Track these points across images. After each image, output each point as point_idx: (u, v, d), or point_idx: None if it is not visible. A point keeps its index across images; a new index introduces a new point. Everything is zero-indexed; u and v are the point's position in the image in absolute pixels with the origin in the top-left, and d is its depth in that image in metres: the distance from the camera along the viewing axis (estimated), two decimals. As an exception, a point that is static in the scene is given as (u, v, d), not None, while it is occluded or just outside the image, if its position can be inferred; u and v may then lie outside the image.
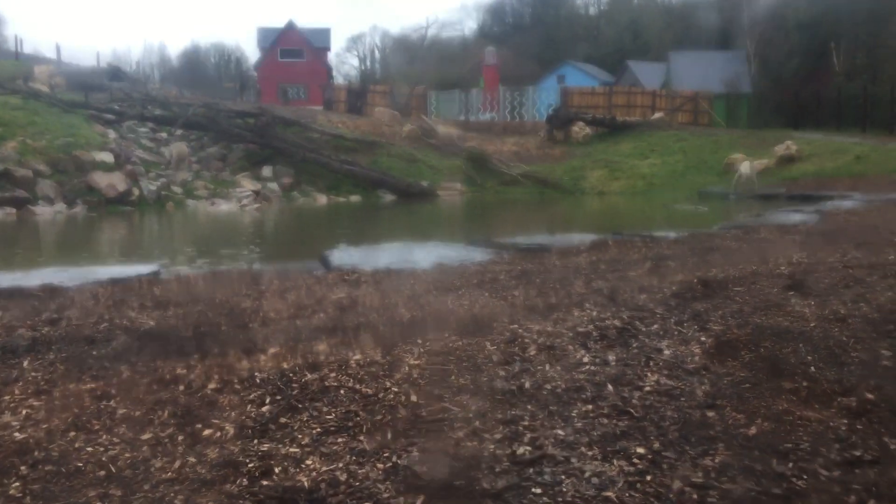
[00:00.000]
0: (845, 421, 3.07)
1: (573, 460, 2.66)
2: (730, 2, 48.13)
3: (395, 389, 3.30)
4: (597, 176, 27.06)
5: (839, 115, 32.82)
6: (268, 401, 3.18)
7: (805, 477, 2.58)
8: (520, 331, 4.22)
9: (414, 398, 3.21)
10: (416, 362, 3.67)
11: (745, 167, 21.06)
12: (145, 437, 2.87)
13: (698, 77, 40.80)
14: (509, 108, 39.55)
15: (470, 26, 75.30)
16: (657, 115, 35.67)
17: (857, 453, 2.78)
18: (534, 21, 66.67)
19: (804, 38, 38.01)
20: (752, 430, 2.94)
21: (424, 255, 7.42)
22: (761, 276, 5.62)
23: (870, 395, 3.30)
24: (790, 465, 2.66)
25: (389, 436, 2.86)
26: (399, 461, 2.64)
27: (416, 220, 19.90)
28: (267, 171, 23.89)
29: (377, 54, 72.71)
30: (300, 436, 2.86)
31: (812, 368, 3.57)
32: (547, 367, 3.62)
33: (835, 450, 2.80)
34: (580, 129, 32.39)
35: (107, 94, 28.78)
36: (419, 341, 4.03)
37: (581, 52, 58.40)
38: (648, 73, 48.87)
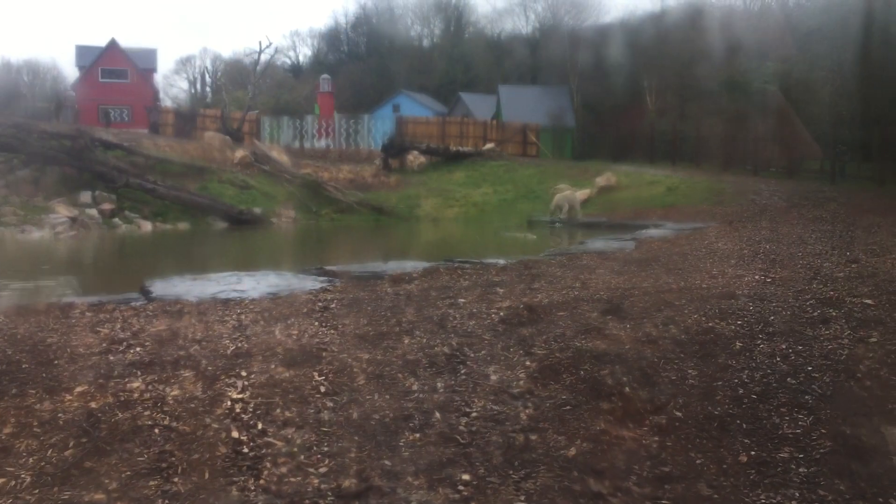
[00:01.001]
0: (656, 438, 3.23)
1: (399, 491, 2.63)
2: (554, 40, 50.72)
3: (216, 426, 3.15)
4: (431, 204, 27.50)
5: (652, 149, 35.21)
6: (71, 444, 2.94)
7: (619, 494, 2.68)
8: (349, 360, 4.16)
9: (235, 434, 3.07)
10: (240, 396, 3.53)
11: (559, 198, 22.06)
12: (-76, 491, 2.57)
13: (526, 110, 42.56)
14: (345, 136, 39.51)
15: (305, 53, 74.72)
16: (489, 145, 36.80)
17: (667, 469, 2.93)
18: (369, 50, 67.25)
19: (620, 78, 40.58)
20: (572, 452, 3.03)
21: (254, 284, 7.19)
22: (582, 301, 5.87)
23: (678, 413, 3.50)
24: (606, 483, 2.76)
25: (207, 475, 2.71)
26: (216, 502, 2.50)
27: (247, 249, 19.35)
28: (85, 196, 22.47)
29: (208, 78, 70.60)
30: (107, 480, 2.65)
31: (627, 389, 3.74)
32: (376, 396, 3.58)
33: (647, 467, 2.93)
34: (415, 158, 32.85)
35: None
36: (243, 374, 3.88)
37: (415, 83, 59.44)
38: (480, 105, 50.45)
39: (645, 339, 4.66)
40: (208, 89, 67.48)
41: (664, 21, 39.93)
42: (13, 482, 2.64)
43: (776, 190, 21.67)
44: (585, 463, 2.93)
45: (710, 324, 5.06)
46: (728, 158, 30.47)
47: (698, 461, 3.04)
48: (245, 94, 45.02)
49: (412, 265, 8.52)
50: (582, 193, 24.96)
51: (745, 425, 3.43)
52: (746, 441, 3.27)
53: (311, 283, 7.28)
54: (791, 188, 22.16)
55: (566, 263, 8.70)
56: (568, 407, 3.50)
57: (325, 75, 47.06)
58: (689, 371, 4.08)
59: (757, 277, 7.24)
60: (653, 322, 5.11)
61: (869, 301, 6.04)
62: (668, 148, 34.85)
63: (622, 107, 40.15)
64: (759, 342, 4.70)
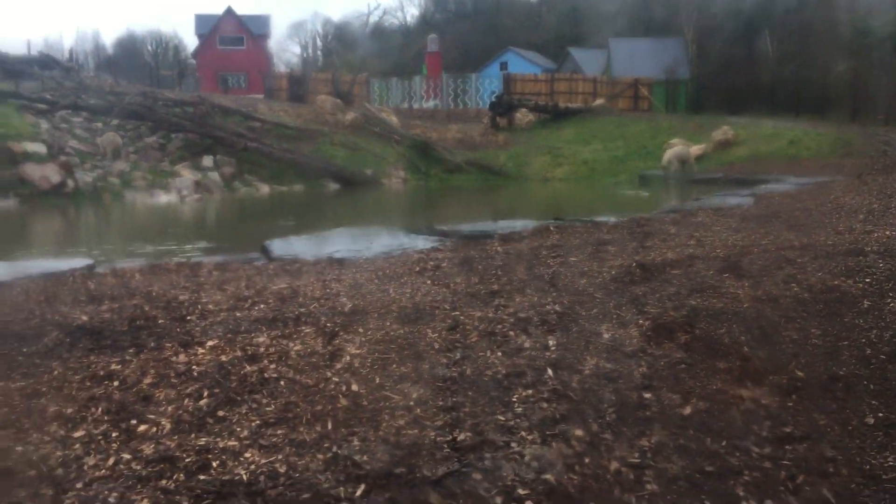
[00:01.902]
0: (777, 399, 3.16)
1: (513, 445, 2.68)
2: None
3: (336, 379, 3.28)
4: (540, 162, 27.25)
5: (773, 100, 33.63)
6: (205, 394, 3.13)
7: (738, 454, 2.64)
8: (461, 318, 4.24)
9: (355, 387, 3.20)
10: (358, 351, 3.66)
11: (669, 154, 21.42)
12: (78, 434, 2.80)
13: (638, 63, 41.34)
14: (452, 96, 39.53)
15: (412, 13, 74.84)
16: (598, 101, 36.04)
17: (788, 430, 2.86)
18: (476, 8, 66.69)
19: (739, 26, 38.75)
20: (687, 410, 3.00)
21: (367, 244, 7.37)
22: (697, 259, 5.73)
23: (800, 373, 3.40)
24: (724, 443, 2.72)
25: (330, 426, 2.84)
26: (339, 451, 2.63)
27: (359, 209, 19.78)
28: (207, 160, 23.45)
29: (319, 42, 71.86)
30: (239, 429, 2.82)
31: (745, 348, 3.66)
32: (488, 353, 3.64)
33: (766, 427, 2.88)
34: (523, 116, 32.56)
35: (38, 84, 27.86)
36: (360, 330, 4.02)
37: (523, 40, 58.62)
38: (590, 60, 49.31)
39: (765, 297, 4.52)
40: (319, 53, 68.72)
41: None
42: (154, 428, 2.84)
43: (910, 140, 20.34)
44: (701, 422, 2.90)
45: (836, 282, 4.85)
46: (856, 108, 28.73)
47: (821, 422, 2.96)
48: (354, 56, 45.62)
49: (522, 224, 8.52)
50: (697, 148, 24.16)
51: (872, 386, 3.30)
52: (874, 402, 3.15)
53: (423, 243, 7.41)
54: (927, 138, 20.75)
55: (680, 220, 8.50)
56: (683, 366, 3.46)
57: (432, 35, 47.05)
58: (812, 330, 3.95)
59: (888, 233, 6.86)
60: (773, 280, 4.94)
61: None
62: (791, 99, 33.16)
63: (740, 56, 38.37)
64: (889, 301, 4.48)
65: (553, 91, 38.61)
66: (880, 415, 3.03)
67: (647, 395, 3.12)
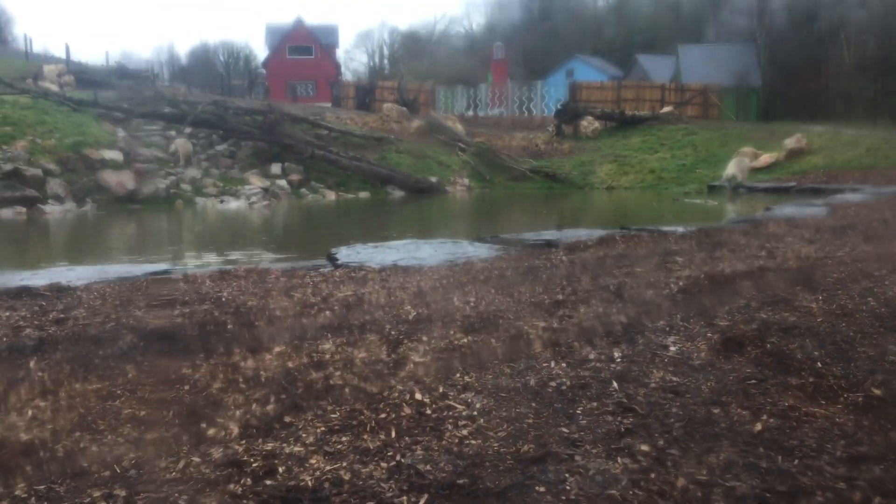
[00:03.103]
0: (851, 417, 3.05)
1: (577, 458, 2.65)
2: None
3: (400, 387, 3.30)
4: (606, 170, 26.99)
5: (849, 107, 32.63)
6: (272, 400, 3.19)
7: (810, 474, 2.56)
8: (525, 327, 4.22)
9: (419, 396, 3.21)
10: (421, 360, 3.67)
11: (732, 166, 20.99)
12: (150, 436, 2.88)
13: (708, 70, 40.61)
14: (517, 103, 39.47)
15: (478, 21, 75.06)
16: (666, 108, 35.52)
17: (863, 450, 2.76)
18: (542, 15, 66.49)
19: (813, 31, 37.76)
20: (758, 427, 2.92)
21: (431, 252, 7.41)
22: (769, 271, 5.59)
23: (876, 391, 3.28)
24: (795, 461, 2.64)
25: (394, 434, 2.86)
26: (403, 460, 2.64)
27: (424, 216, 19.90)
28: (276, 168, 23.93)
29: (385, 50, 72.64)
30: (304, 435, 2.86)
31: (818, 364, 3.55)
32: (552, 363, 3.62)
33: (840, 446, 2.78)
34: (589, 124, 32.31)
35: (116, 93, 28.86)
36: (424, 339, 4.03)
37: (589, 47, 58.21)
38: (657, 67, 48.66)
39: (839, 311, 4.38)
40: (386, 62, 69.46)
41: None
42: (223, 433, 2.90)
43: None
44: (772, 439, 2.82)
45: (915, 297, 4.68)
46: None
47: (900, 443, 2.85)
48: (421, 64, 45.97)
49: (586, 233, 8.45)
50: (768, 157, 23.61)
51: (955, 407, 3.16)
52: (956, 424, 3.02)
53: (487, 251, 7.41)
54: None
55: (750, 231, 8.31)
56: (753, 381, 3.37)
57: (498, 42, 47.12)
58: (891, 347, 3.81)
59: (972, 246, 6.59)
60: (848, 294, 4.79)
61: None
62: (868, 105, 32.11)
63: (815, 62, 37.34)
64: (974, 318, 4.30)
65: (620, 98, 38.22)
66: (964, 437, 2.90)
67: (716, 411, 3.05)
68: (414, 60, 59.20)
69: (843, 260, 6.07)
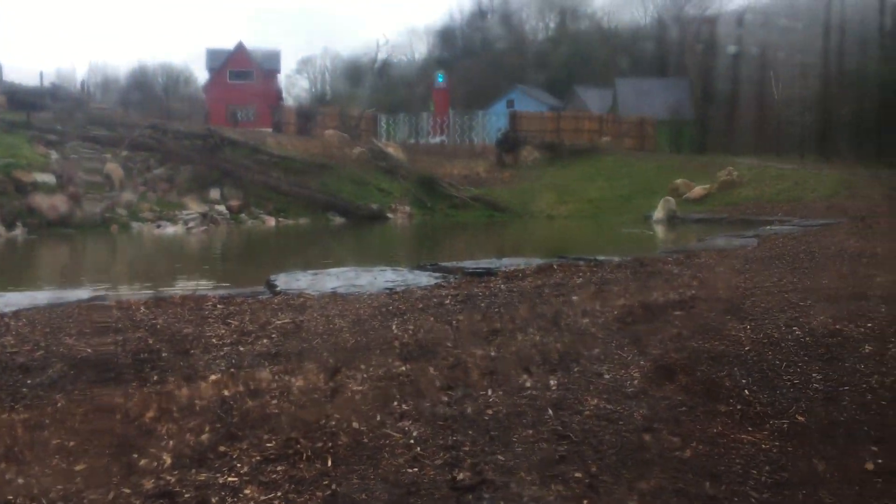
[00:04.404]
0: (777, 443, 3.16)
1: (512, 485, 2.68)
2: (674, 31, 49.45)
3: (337, 416, 3.30)
4: (545, 199, 27.38)
5: (778, 142, 33.82)
6: (207, 429, 3.14)
7: (736, 499, 2.64)
8: (463, 356, 4.25)
9: (356, 424, 3.20)
10: (359, 388, 3.67)
11: (659, 209, 21.58)
12: (79, 467, 2.81)
13: (644, 103, 41.70)
14: (459, 132, 39.83)
15: (420, 50, 75.69)
16: (604, 139, 36.29)
17: (787, 475, 2.86)
18: (484, 46, 67.44)
19: (744, 68, 39.13)
20: (687, 453, 3.00)
21: (371, 280, 7.41)
22: (700, 301, 5.75)
23: (800, 418, 3.40)
24: (722, 487, 2.72)
25: (330, 463, 2.85)
26: (339, 489, 2.63)
27: (364, 244, 19.87)
28: (215, 193, 23.64)
29: (328, 76, 72.65)
30: (239, 464, 2.83)
31: (746, 391, 3.66)
32: (489, 391, 3.65)
33: (766, 472, 2.87)
34: (529, 153, 32.79)
35: (50, 114, 28.19)
36: (362, 367, 4.03)
37: (530, 78, 59.20)
38: (595, 99, 49.76)
39: (766, 340, 4.53)
40: (328, 88, 69.42)
41: (794, 7, 38.16)
42: (155, 463, 2.85)
43: (914, 184, 20.42)
44: (701, 465, 2.90)
45: (838, 326, 4.86)
46: (861, 151, 28.87)
47: (820, 468, 2.95)
48: (363, 91, 46.12)
49: (525, 262, 8.56)
50: (701, 189, 24.30)
51: (872, 432, 3.30)
52: (873, 448, 3.14)
53: (427, 279, 7.44)
54: (931, 182, 20.82)
55: (683, 261, 8.52)
56: (683, 408, 3.46)
57: (439, 71, 47.56)
58: (814, 374, 3.95)
59: (891, 278, 6.88)
60: (775, 323, 4.96)
61: None
62: (796, 140, 33.35)
63: (745, 98, 38.67)
64: (890, 346, 4.49)
65: (559, 129, 38.89)
66: (880, 461, 3.03)
67: (647, 437, 3.13)
68: (356, 87, 59.37)
69: (770, 290, 6.27)
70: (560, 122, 39.74)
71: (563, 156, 32.36)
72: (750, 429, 3.28)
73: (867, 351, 4.38)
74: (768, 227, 13.93)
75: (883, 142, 28.84)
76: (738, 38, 41.44)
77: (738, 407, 3.49)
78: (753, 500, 2.64)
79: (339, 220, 24.05)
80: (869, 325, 4.91)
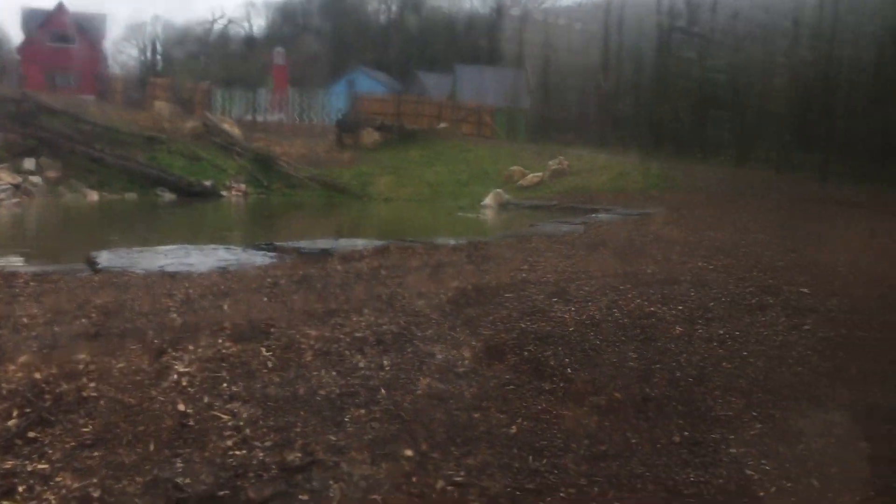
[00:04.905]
0: (595, 418, 3.35)
1: (342, 465, 2.69)
2: (510, 21, 50.84)
3: (162, 398, 3.17)
4: (384, 182, 27.42)
5: (606, 134, 35.61)
6: (15, 414, 2.93)
7: (556, 472, 2.78)
8: (297, 336, 4.19)
9: (181, 407, 3.09)
10: (186, 369, 3.54)
11: (490, 198, 22.30)
12: None
13: (482, 90, 42.58)
14: (299, 111, 39.06)
15: (259, 24, 73.33)
16: (443, 124, 36.78)
17: (603, 448, 3.04)
18: (325, 25, 66.36)
19: (576, 61, 40.86)
20: (513, 430, 3.12)
21: (202, 258, 7.15)
22: (530, 284, 5.97)
23: (617, 395, 3.62)
24: (544, 461, 2.86)
25: (152, 447, 2.74)
26: (161, 473, 2.53)
27: (196, 221, 19.13)
28: (29, 163, 21.92)
29: (159, 46, 68.96)
30: (51, 451, 2.66)
31: (569, 370, 3.85)
32: (322, 372, 3.63)
33: (584, 445, 3.04)
34: (369, 135, 32.67)
35: None
36: (191, 348, 3.89)
37: (372, 59, 58.92)
38: (436, 84, 50.26)
39: (589, 322, 4.78)
40: (159, 58, 65.95)
41: (625, 3, 40.16)
42: (-46, 451, 2.63)
43: (724, 178, 22.12)
44: (525, 441, 3.03)
45: (653, 308, 5.21)
46: (680, 145, 30.96)
47: (633, 440, 3.16)
48: (197, 63, 44.24)
49: (363, 243, 8.54)
50: (534, 176, 25.18)
51: (680, 407, 3.56)
52: (680, 422, 3.40)
53: (261, 259, 7.27)
54: (738, 176, 22.65)
55: (516, 245, 8.81)
56: (511, 386, 3.59)
57: (279, 48, 46.41)
58: (630, 354, 4.22)
59: (700, 264, 7.44)
60: (597, 305, 5.24)
61: (805, 290, 6.27)
62: (622, 133, 35.26)
63: (577, 90, 40.43)
64: (698, 327, 4.86)
65: (400, 112, 38.99)
66: (686, 433, 3.28)
67: (476, 415, 3.22)
68: (190, 59, 56.81)
69: (594, 274, 6.61)
70: (401, 106, 39.85)
71: (403, 139, 32.50)
72: (571, 405, 3.46)
73: (678, 332, 4.72)
74: (594, 215, 14.64)
75: (699, 138, 31.11)
76: (568, 31, 43.22)
77: (562, 385, 3.67)
78: (572, 471, 2.79)
79: (168, 196, 22.97)
80: (680, 307, 5.30)
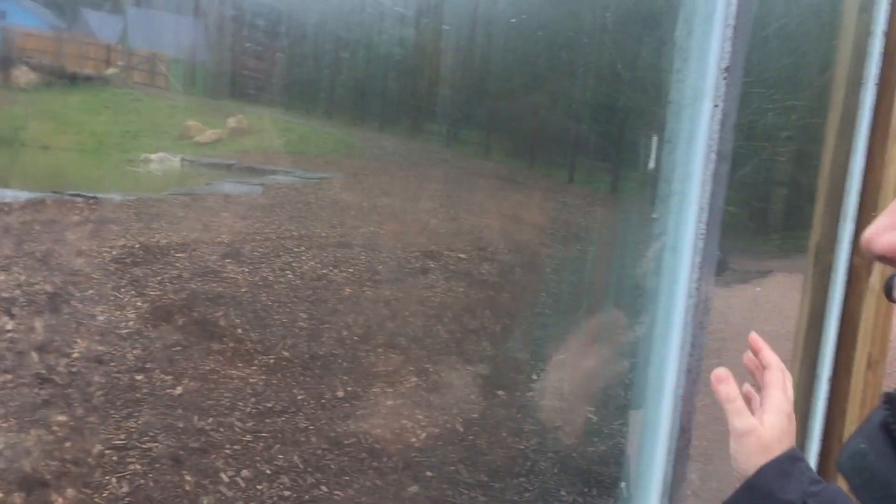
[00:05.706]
0: (263, 377, 3.43)
1: (-16, 435, 2.48)
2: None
3: None
4: (41, 128, 24.70)
5: (289, 96, 35.56)
6: None
7: (222, 430, 2.82)
8: (-72, 297, 3.73)
9: None
10: None
11: (163, 152, 21.46)
12: None
13: (159, 38, 40.12)
14: (-68, 37, 33.69)
15: None
16: (112, 70, 34.05)
17: (270, 405, 3.14)
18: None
19: (261, 17, 40.13)
20: (179, 391, 3.09)
21: None
22: (202, 244, 5.85)
23: (286, 353, 3.73)
24: (210, 420, 2.88)
25: None
26: None
27: None
28: None
29: None
30: None
31: (239, 330, 3.88)
32: (-40, 336, 3.28)
33: (251, 403, 3.11)
34: (24, 74, 29.16)
35: None
36: None
37: (28, -12, 52.55)
38: (105, 25, 46.28)
39: (262, 283, 4.82)
40: None
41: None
42: None
43: (399, 148, 23.21)
44: (191, 401, 3.02)
45: (325, 271, 5.39)
46: (359, 113, 31.84)
47: (300, 397, 3.30)
48: None
49: (13, 194, 7.69)
50: (213, 133, 24.35)
51: (345, 364, 3.77)
52: (345, 378, 3.61)
53: None
54: (413, 148, 23.91)
55: (189, 204, 8.52)
56: (178, 347, 3.54)
57: None
58: (301, 314, 4.34)
59: (372, 229, 7.80)
60: (271, 267, 5.29)
61: (462, 255, 6.88)
62: (304, 97, 35.35)
63: (260, 47, 39.68)
64: (366, 289, 5.13)
65: (61, 52, 35.29)
66: (349, 389, 3.49)
67: (139, 377, 3.14)
68: None
69: (269, 236, 6.64)
70: (63, 45, 36.10)
71: (65, 82, 29.55)
72: (240, 365, 3.50)
73: (347, 293, 4.95)
74: (273, 177, 14.57)
75: (378, 109, 32.32)
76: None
77: (231, 345, 3.69)
78: (238, 428, 2.85)
79: None
80: (350, 270, 5.55)
